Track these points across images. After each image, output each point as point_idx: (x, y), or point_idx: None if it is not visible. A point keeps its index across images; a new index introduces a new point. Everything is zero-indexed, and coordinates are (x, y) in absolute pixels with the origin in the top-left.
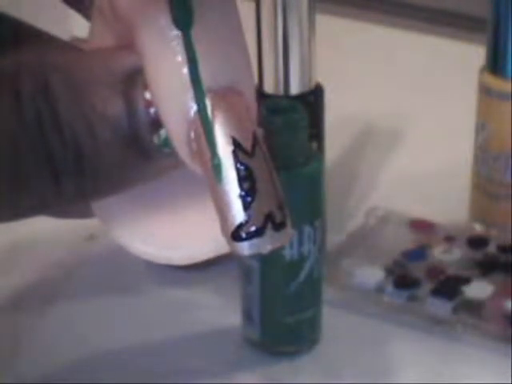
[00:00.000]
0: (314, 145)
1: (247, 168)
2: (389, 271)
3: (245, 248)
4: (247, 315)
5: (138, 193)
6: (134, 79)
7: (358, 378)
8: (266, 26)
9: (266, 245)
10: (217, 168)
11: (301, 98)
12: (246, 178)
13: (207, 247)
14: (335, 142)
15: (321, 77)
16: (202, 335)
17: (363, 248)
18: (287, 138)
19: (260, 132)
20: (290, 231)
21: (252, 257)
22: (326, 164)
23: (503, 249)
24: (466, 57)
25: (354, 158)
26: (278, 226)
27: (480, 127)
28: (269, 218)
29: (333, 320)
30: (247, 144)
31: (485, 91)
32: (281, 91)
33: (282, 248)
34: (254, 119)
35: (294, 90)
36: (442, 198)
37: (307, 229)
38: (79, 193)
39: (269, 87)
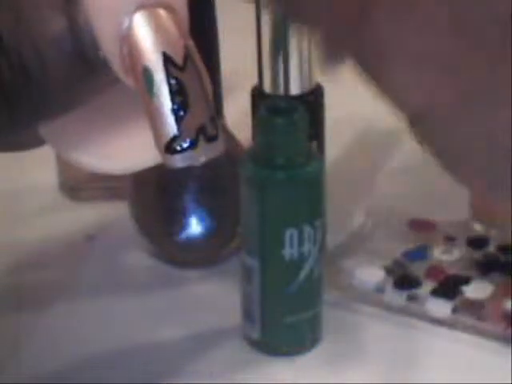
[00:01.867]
0: (314, 145)
1: (179, 82)
2: (389, 271)
3: (178, 160)
4: (247, 315)
5: (81, 109)
6: None
7: (358, 378)
8: (266, 26)
9: (198, 157)
10: (148, 84)
11: (301, 98)
12: (178, 92)
13: (146, 157)
14: (335, 142)
15: (321, 77)
16: (202, 335)
17: (363, 248)
18: (287, 137)
19: (192, 45)
20: (221, 143)
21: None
22: (326, 164)
23: (503, 249)
24: None
25: (353, 158)
26: (211, 138)
27: None
28: (201, 130)
29: (333, 320)
30: (179, 58)
31: None
32: (281, 91)
33: (214, 157)
34: (185, 33)
35: (294, 90)
36: (441, 198)
37: (307, 229)
38: (31, 116)
39: (269, 87)
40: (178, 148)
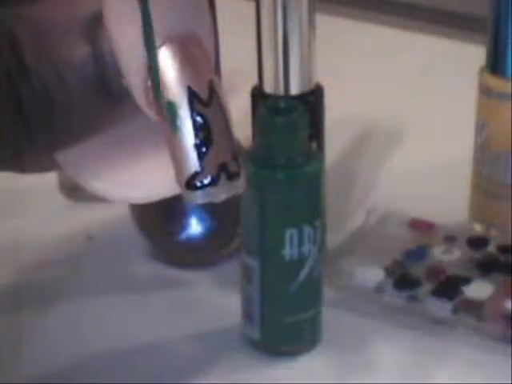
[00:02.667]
0: (314, 145)
1: (203, 118)
2: (389, 271)
3: (198, 196)
4: (247, 315)
5: (100, 137)
6: (97, 23)
7: (358, 378)
8: (266, 26)
9: (219, 194)
10: (172, 118)
11: (301, 98)
12: (202, 128)
13: (163, 187)
14: (335, 142)
15: (321, 77)
16: (202, 335)
17: (363, 248)
18: (287, 137)
19: (218, 81)
20: (243, 181)
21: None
22: (326, 164)
23: (503, 249)
24: (466, 57)
25: (353, 158)
26: (232, 176)
27: (480, 127)
28: (223, 167)
29: (333, 320)
30: (204, 93)
31: (485, 91)
32: (281, 91)
33: (235, 196)
34: (211, 68)
35: (294, 90)
36: (441, 198)
37: (307, 229)
38: (52, 141)
39: (269, 87)
40: (199, 184)
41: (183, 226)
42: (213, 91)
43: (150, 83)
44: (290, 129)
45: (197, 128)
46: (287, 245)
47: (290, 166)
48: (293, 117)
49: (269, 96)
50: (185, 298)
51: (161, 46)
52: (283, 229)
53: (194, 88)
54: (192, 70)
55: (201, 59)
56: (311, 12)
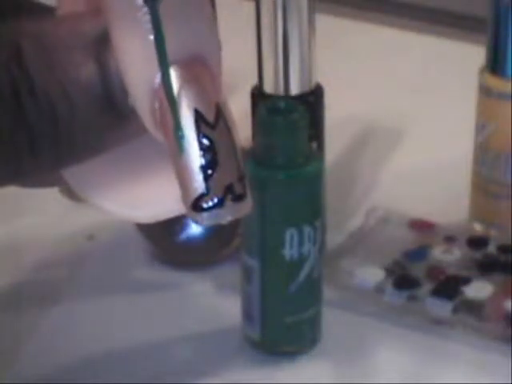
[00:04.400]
0: (314, 145)
1: (209, 140)
2: (389, 271)
3: (204, 218)
4: (247, 315)
5: (106, 156)
6: (104, 42)
7: (358, 378)
8: (266, 26)
9: (225, 216)
10: (179, 140)
11: (301, 98)
12: (208, 150)
13: (169, 207)
14: (335, 142)
15: (321, 77)
16: (202, 335)
17: (363, 248)
18: (287, 137)
19: (224, 103)
20: (249, 202)
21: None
22: (326, 164)
23: (503, 249)
24: (466, 57)
25: (353, 158)
26: (238, 198)
27: (480, 127)
28: (229, 189)
29: (333, 320)
30: (210, 116)
31: (485, 91)
32: (281, 91)
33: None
34: (218, 90)
35: (294, 90)
36: (442, 198)
37: (307, 229)
38: (55, 159)
39: (269, 87)
40: (205, 206)
41: (183, 226)
42: (219, 113)
43: (156, 105)
44: (289, 129)
45: (203, 150)
46: (287, 245)
47: (290, 166)
48: (293, 117)
49: (269, 96)
50: (185, 298)
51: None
52: (283, 229)
53: (200, 110)
54: (199, 93)
55: (207, 81)
56: (311, 12)
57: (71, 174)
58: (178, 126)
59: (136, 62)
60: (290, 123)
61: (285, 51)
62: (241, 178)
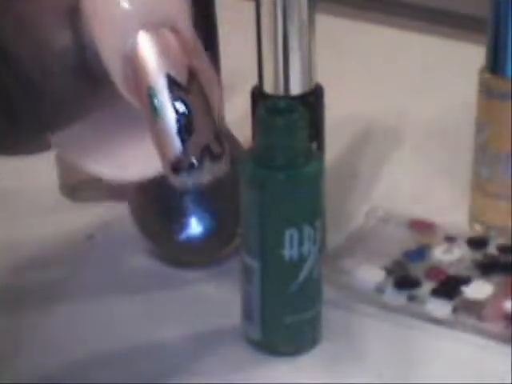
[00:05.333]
0: (314, 145)
1: (183, 102)
2: (389, 271)
3: (184, 180)
4: (247, 315)
5: (92, 121)
6: (78, 13)
7: (358, 378)
8: (266, 26)
9: (204, 176)
10: (153, 105)
11: (301, 98)
12: (183, 113)
13: (154, 166)
14: (335, 142)
15: (321, 77)
16: (202, 335)
17: (363, 248)
18: (287, 137)
19: (196, 65)
20: (226, 161)
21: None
22: (326, 164)
23: (503, 249)
24: (466, 57)
25: (353, 158)
26: (216, 157)
27: (480, 127)
28: (206, 150)
29: (333, 320)
30: (183, 79)
31: (485, 91)
32: (281, 91)
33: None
34: (190, 53)
35: (294, 90)
36: (442, 198)
37: (307, 229)
38: (35, 126)
39: (269, 87)
40: (184, 168)
41: (183, 225)
42: (192, 75)
43: (129, 71)
44: (289, 129)
45: (178, 113)
46: (287, 245)
47: (290, 166)
48: (293, 117)
49: (269, 96)
50: (184, 298)
51: (137, 32)
52: (283, 229)
53: (172, 74)
54: (169, 57)
55: (179, 45)
56: (311, 12)
57: (59, 140)
58: (151, 92)
59: (106, 28)
60: (290, 123)
61: (285, 51)
62: (217, 137)
